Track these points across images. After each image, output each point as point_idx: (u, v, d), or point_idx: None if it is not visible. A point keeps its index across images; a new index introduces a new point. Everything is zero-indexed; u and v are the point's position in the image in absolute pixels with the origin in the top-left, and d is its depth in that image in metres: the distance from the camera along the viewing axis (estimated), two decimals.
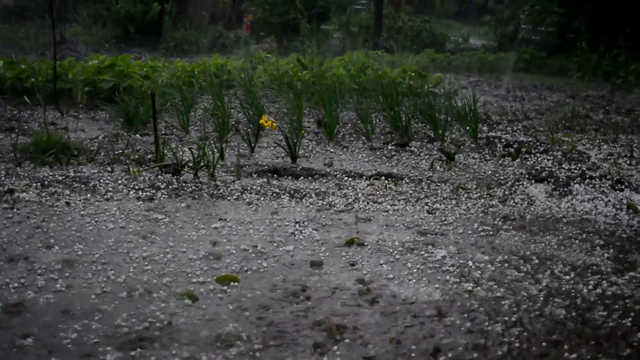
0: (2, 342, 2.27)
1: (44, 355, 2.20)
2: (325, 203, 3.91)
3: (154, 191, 4.00)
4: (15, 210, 3.57)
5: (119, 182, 4.13)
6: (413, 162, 4.91)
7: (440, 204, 3.94)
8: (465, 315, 2.57)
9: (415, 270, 2.98)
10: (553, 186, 4.37)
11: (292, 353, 2.28)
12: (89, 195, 3.87)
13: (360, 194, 4.08)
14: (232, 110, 5.68)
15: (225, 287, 2.75)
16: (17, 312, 2.47)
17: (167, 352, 2.25)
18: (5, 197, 3.74)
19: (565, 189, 4.31)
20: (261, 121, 4.93)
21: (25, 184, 3.99)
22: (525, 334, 2.44)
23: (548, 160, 5.01)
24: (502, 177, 4.53)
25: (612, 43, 10.89)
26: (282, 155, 4.91)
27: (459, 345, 2.35)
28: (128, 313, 2.50)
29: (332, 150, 5.20)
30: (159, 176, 4.29)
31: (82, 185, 4.03)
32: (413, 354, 2.29)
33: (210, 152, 4.44)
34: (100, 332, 2.36)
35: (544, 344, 2.37)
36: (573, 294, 2.77)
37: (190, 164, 4.39)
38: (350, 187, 4.23)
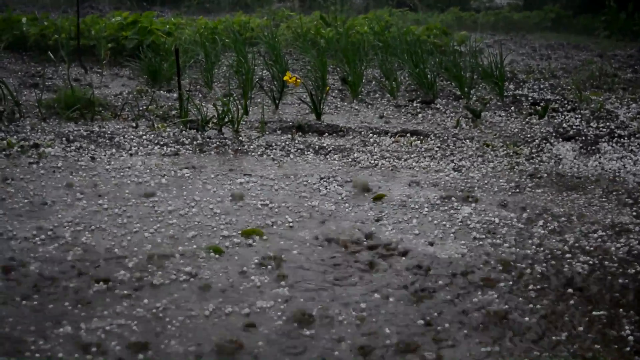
0: (30, 293, 2.28)
1: (69, 308, 2.21)
2: (350, 159, 3.89)
3: (178, 146, 3.99)
4: (40, 164, 3.58)
5: (144, 137, 4.12)
6: (438, 119, 4.86)
7: (467, 162, 3.91)
8: (491, 271, 2.55)
9: (441, 227, 2.95)
10: (581, 145, 4.31)
11: (316, 305, 2.28)
12: (113, 150, 3.87)
13: (385, 151, 4.05)
14: (255, 67, 5.64)
15: (250, 241, 2.75)
16: (44, 263, 2.48)
17: (193, 305, 2.25)
18: (31, 152, 3.76)
19: (593, 148, 4.25)
20: (285, 78, 4.90)
21: (50, 139, 4.00)
22: (551, 290, 2.42)
23: (576, 118, 4.94)
24: (529, 135, 4.47)
25: None
26: (307, 112, 4.88)
27: (485, 301, 2.33)
28: (154, 266, 2.50)
29: (356, 107, 5.16)
30: (184, 132, 4.28)
31: (107, 141, 4.03)
32: (441, 312, 2.28)
33: (235, 109, 4.42)
34: (126, 285, 2.36)
35: (571, 301, 2.35)
36: (601, 252, 2.74)
37: (215, 120, 4.37)
38: (375, 144, 4.20)
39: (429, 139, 4.34)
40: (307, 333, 2.11)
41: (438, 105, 5.23)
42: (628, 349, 2.07)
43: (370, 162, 3.85)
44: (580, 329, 2.17)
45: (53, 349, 1.97)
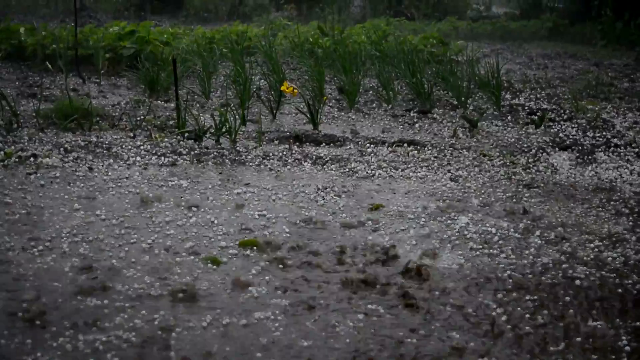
0: (28, 304, 2.28)
1: (64, 321, 2.21)
2: (347, 169, 3.90)
3: (176, 157, 4.00)
4: (38, 174, 3.58)
5: (141, 147, 4.13)
6: (435, 129, 4.88)
7: (463, 171, 3.92)
8: (487, 281, 2.56)
9: (438, 237, 2.96)
10: (577, 154, 4.33)
11: (316, 317, 2.28)
12: (111, 160, 3.88)
13: (382, 161, 4.06)
14: (253, 77, 5.65)
15: (248, 252, 2.75)
16: (41, 275, 2.49)
17: (190, 316, 2.25)
18: (29, 162, 3.76)
19: (590, 157, 4.27)
20: (282, 88, 4.91)
21: (48, 149, 4.01)
22: (548, 301, 2.43)
23: (572, 128, 4.96)
24: (525, 145, 4.49)
25: (637, 10, 10.70)
26: (304, 121, 4.89)
27: (481, 312, 2.34)
28: (151, 277, 2.51)
29: (353, 117, 5.17)
30: (181, 142, 4.29)
31: (105, 151, 4.04)
32: (440, 323, 2.28)
33: (232, 119, 4.43)
34: (123, 296, 2.36)
35: (568, 311, 2.36)
36: (597, 262, 2.75)
37: (212, 130, 4.38)
38: (372, 154, 4.21)
39: (426, 148, 4.35)
40: (306, 344, 2.11)
41: (435, 115, 5.24)
42: (625, 359, 2.08)
43: (367, 172, 3.86)
44: (578, 339, 2.17)
45: None
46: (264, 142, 4.39)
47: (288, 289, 2.46)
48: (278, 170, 3.85)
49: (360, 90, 5.72)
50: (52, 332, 2.11)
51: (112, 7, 13.76)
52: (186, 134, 4.39)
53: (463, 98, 5.51)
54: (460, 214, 3.23)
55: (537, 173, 3.95)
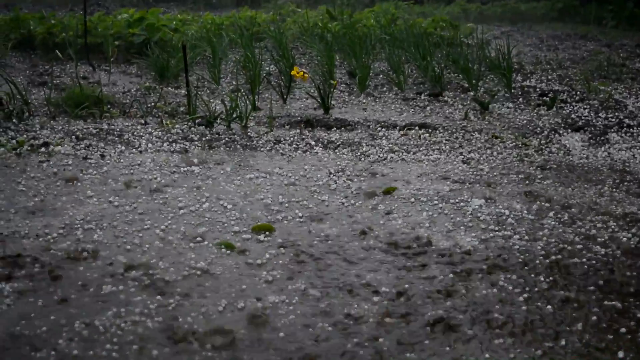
0: (40, 294, 2.30)
1: (80, 306, 2.22)
2: (359, 153, 3.89)
3: (187, 143, 4.00)
4: (51, 162, 3.59)
5: (153, 134, 4.13)
6: (447, 112, 4.86)
7: (476, 154, 3.91)
8: (502, 264, 2.55)
9: (451, 219, 2.96)
10: (590, 135, 4.31)
11: (328, 304, 2.28)
12: (122, 147, 3.88)
13: (394, 144, 4.05)
14: (263, 63, 5.64)
15: (261, 237, 2.75)
16: (57, 261, 2.50)
17: (205, 301, 2.26)
18: (41, 150, 3.77)
19: (602, 138, 4.25)
20: (293, 72, 4.90)
21: (59, 137, 4.01)
22: (564, 282, 2.42)
23: (584, 109, 4.94)
24: (537, 127, 4.47)
25: None
26: (315, 106, 4.88)
27: (493, 294, 2.33)
28: (165, 262, 2.51)
29: (364, 101, 5.16)
30: (192, 128, 4.29)
31: (116, 138, 4.04)
32: (451, 303, 2.28)
33: (243, 104, 4.42)
34: (137, 282, 2.37)
35: (582, 292, 2.35)
36: (612, 242, 2.74)
37: (223, 116, 4.38)
38: (383, 138, 4.20)
39: (437, 131, 4.34)
40: (328, 324, 2.11)
41: (446, 98, 5.22)
42: None
43: (379, 156, 3.85)
44: (594, 318, 2.17)
45: (68, 346, 1.98)
46: (275, 127, 4.39)
47: (302, 273, 2.46)
48: (290, 155, 3.85)
49: (371, 74, 5.70)
50: (67, 316, 2.12)
51: None
52: (197, 120, 4.40)
53: (474, 80, 5.49)
54: (473, 196, 3.23)
55: (550, 154, 3.93)
